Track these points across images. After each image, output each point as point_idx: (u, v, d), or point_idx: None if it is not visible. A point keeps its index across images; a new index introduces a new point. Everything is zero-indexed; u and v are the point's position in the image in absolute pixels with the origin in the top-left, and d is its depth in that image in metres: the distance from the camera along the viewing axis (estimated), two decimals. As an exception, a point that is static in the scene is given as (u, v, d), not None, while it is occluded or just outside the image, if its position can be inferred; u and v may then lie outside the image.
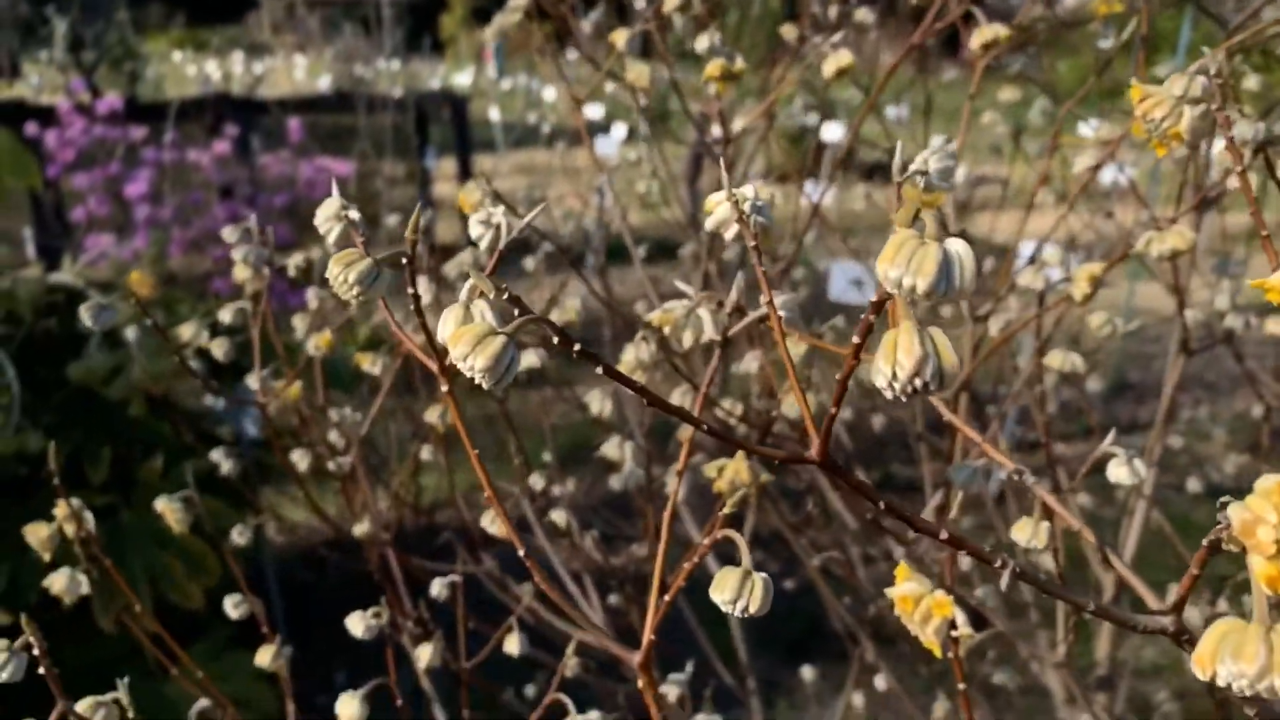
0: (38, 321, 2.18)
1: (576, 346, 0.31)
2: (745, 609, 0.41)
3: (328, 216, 0.40)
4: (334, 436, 1.13)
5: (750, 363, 0.77)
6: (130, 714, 0.58)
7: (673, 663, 1.13)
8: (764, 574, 0.42)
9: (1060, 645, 0.85)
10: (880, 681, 1.16)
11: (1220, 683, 0.24)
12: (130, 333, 1.47)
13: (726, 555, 1.64)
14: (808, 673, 1.57)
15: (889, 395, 0.25)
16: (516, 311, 0.32)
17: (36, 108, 3.76)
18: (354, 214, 0.40)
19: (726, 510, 0.62)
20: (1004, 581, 0.36)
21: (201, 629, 1.94)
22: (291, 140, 4.23)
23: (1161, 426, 1.13)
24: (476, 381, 0.30)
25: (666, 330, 0.44)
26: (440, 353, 0.42)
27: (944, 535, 0.36)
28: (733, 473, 0.63)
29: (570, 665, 1.12)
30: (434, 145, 5.51)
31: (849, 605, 1.20)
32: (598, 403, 0.91)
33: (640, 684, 0.51)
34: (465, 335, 0.31)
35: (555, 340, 0.31)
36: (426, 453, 1.22)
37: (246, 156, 4.16)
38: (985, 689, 1.59)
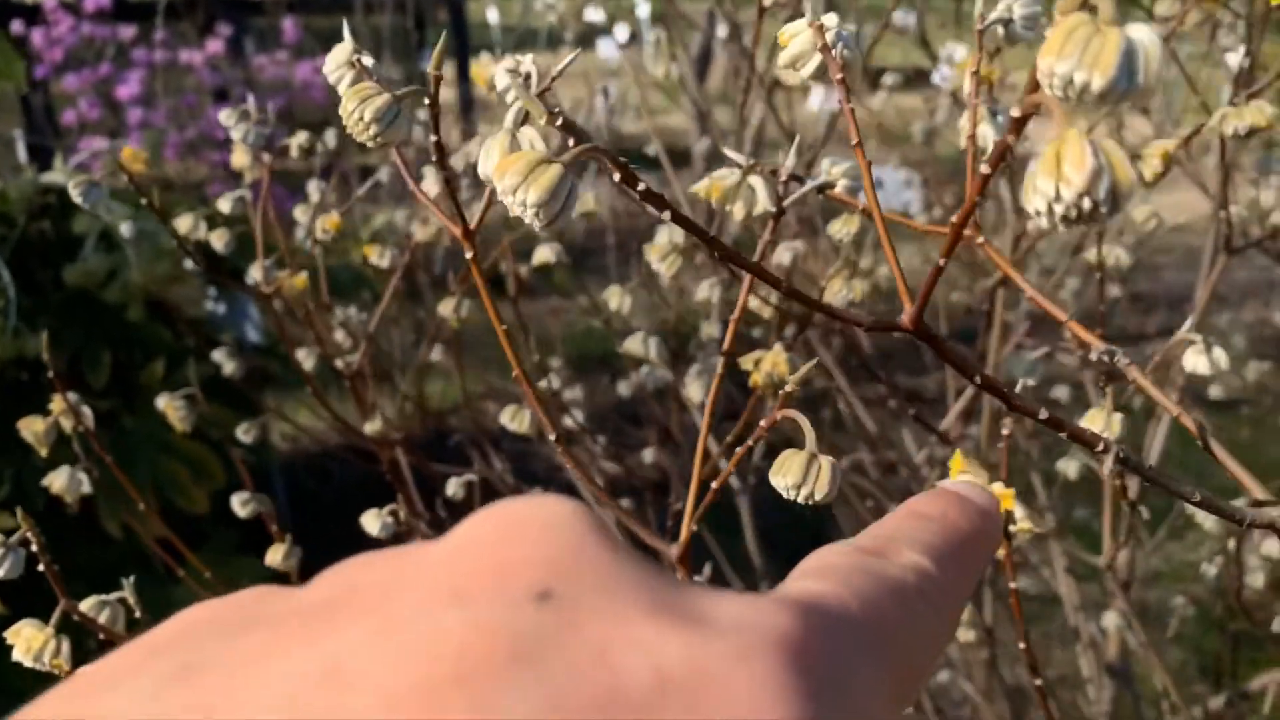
0: (31, 224, 2.13)
1: (641, 185, 0.27)
2: (810, 495, 0.37)
3: (338, 64, 0.36)
4: (340, 336, 1.09)
5: (783, 254, 0.73)
6: (137, 614, 0.55)
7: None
8: (830, 458, 0.38)
9: (1111, 549, 0.82)
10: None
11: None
12: (125, 230, 1.42)
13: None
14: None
15: (1047, 222, 0.21)
16: (571, 141, 0.27)
17: (21, 4, 3.63)
18: (368, 59, 0.35)
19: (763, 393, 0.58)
20: (1106, 466, 0.32)
21: (206, 535, 1.93)
22: (286, 41, 4.12)
23: (1198, 321, 1.09)
24: (527, 221, 0.26)
25: (715, 201, 0.40)
26: (464, 219, 0.38)
27: (1043, 415, 0.32)
28: (770, 365, 0.60)
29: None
30: (431, 47, 5.34)
31: (869, 510, 1.18)
32: (617, 299, 0.87)
33: (678, 578, 0.48)
34: (515, 164, 0.26)
35: (617, 176, 0.27)
36: (437, 353, 1.19)
37: (240, 58, 4.05)
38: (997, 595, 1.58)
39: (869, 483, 1.17)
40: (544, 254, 0.90)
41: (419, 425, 2.04)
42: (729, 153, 0.40)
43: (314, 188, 0.99)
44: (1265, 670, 1.17)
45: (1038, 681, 0.48)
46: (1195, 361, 0.49)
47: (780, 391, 0.63)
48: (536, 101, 0.28)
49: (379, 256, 0.89)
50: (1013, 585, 0.47)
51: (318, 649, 0.14)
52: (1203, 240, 1.53)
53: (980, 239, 0.40)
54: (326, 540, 1.13)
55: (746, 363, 0.61)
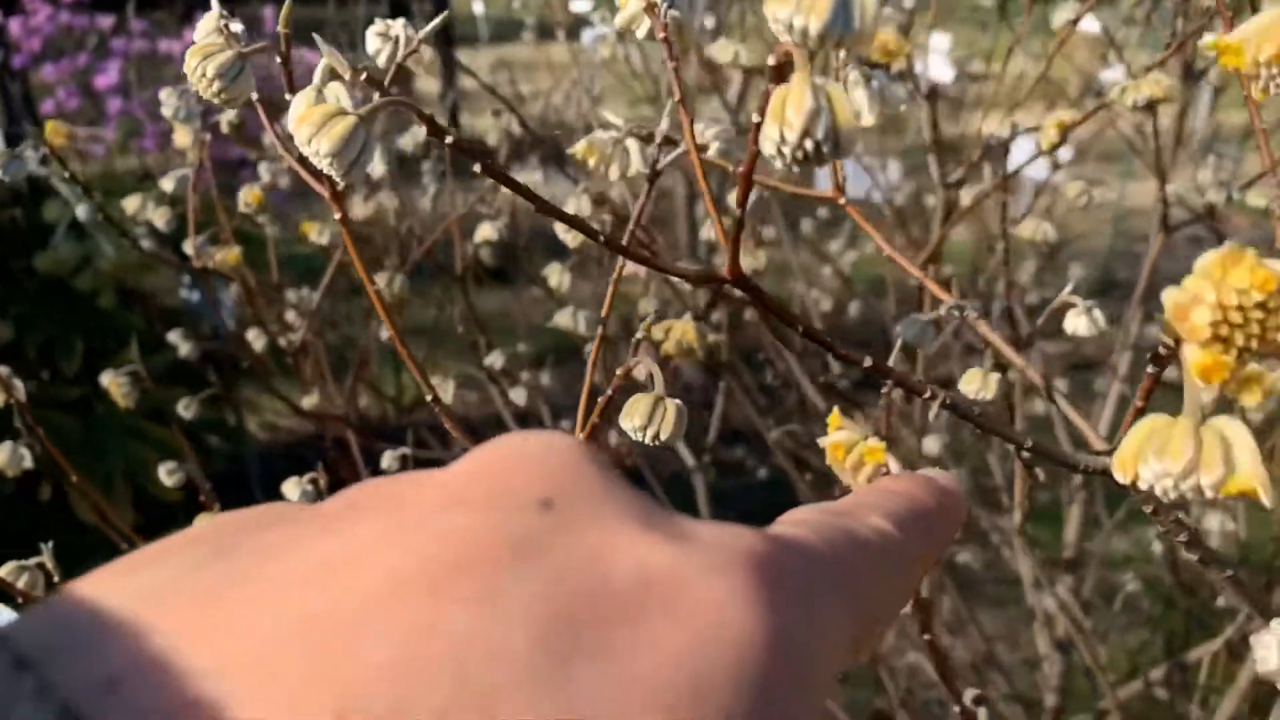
0: (2, 211, 2.13)
1: (450, 139, 0.28)
2: (656, 436, 0.39)
3: (207, 30, 0.37)
4: (292, 317, 1.10)
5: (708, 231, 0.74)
6: (56, 579, 0.56)
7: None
8: (678, 400, 0.39)
9: (1017, 511, 0.83)
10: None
11: (1143, 485, 0.22)
12: (82, 213, 1.43)
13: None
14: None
15: (780, 163, 0.22)
16: (377, 95, 0.28)
17: (-1, -6, 3.63)
18: (236, 25, 0.36)
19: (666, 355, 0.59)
20: (932, 413, 0.34)
21: (179, 520, 1.94)
22: (267, 30, 4.12)
23: (1137, 303, 1.11)
24: (326, 171, 0.27)
25: (592, 163, 0.41)
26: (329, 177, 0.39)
27: (868, 363, 0.33)
28: (680, 334, 0.61)
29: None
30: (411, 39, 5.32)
31: (808, 483, 1.19)
32: (556, 276, 0.88)
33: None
34: (312, 116, 0.27)
35: (425, 126, 0.28)
36: (384, 333, 1.19)
37: (221, 48, 4.04)
38: (957, 577, 1.60)
39: (813, 455, 1.19)
40: (485, 231, 0.91)
41: (393, 414, 2.05)
42: (607, 115, 0.41)
43: (265, 169, 1.00)
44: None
45: (926, 636, 0.49)
46: (1075, 323, 0.50)
47: (686, 355, 0.64)
48: (339, 57, 0.29)
49: (318, 234, 0.90)
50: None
51: (335, 540, 0.16)
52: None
53: (843, 200, 0.41)
54: None
55: (658, 331, 0.62)
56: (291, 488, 0.63)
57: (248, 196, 0.75)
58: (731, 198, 0.56)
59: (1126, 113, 0.64)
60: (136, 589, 0.16)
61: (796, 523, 0.20)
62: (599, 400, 0.43)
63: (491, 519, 0.16)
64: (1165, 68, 0.62)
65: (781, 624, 0.16)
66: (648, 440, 0.39)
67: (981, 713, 0.46)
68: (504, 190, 0.84)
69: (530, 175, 1.73)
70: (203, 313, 2.35)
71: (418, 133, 1.00)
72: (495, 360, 1.00)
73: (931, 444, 1.30)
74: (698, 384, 2.51)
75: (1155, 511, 0.37)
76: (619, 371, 0.40)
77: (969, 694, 0.46)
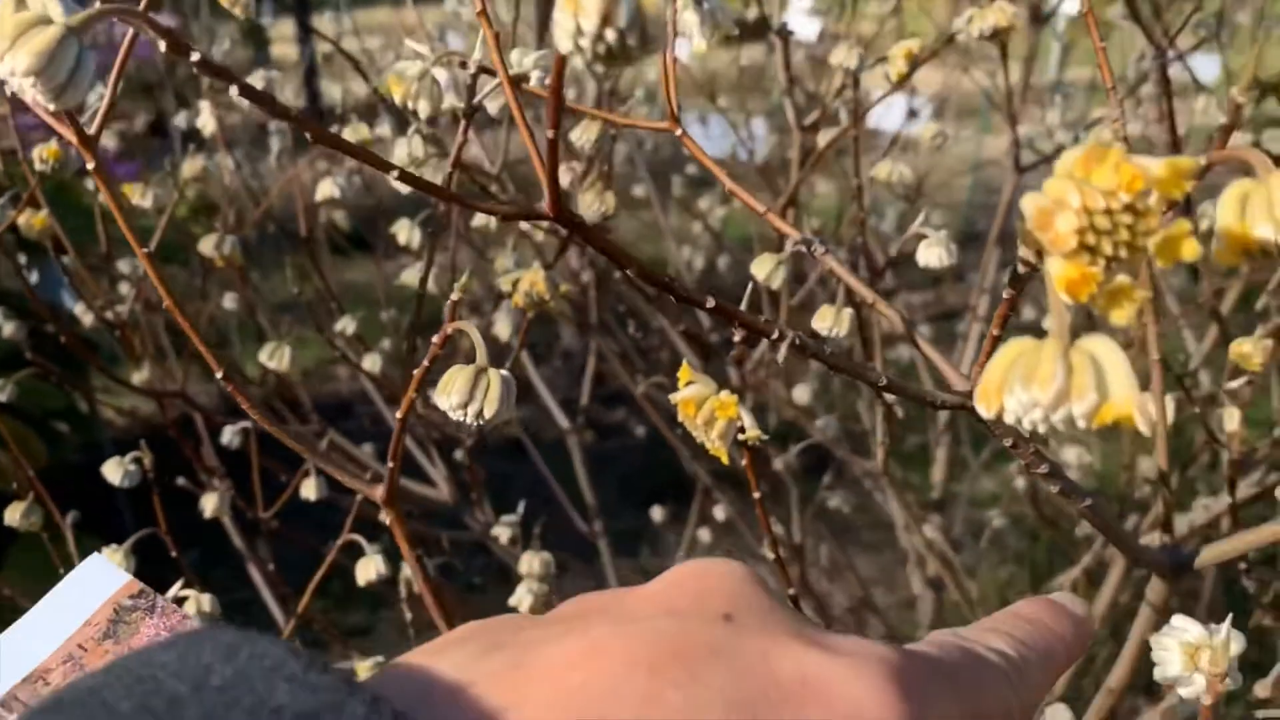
0: None
1: (234, 88, 0.23)
2: (479, 414, 0.35)
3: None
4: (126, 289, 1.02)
5: (563, 175, 0.70)
6: None
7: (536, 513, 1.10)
8: (505, 371, 0.35)
9: (879, 450, 0.83)
10: (719, 512, 1.15)
11: (1009, 418, 0.20)
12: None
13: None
14: (657, 513, 1.57)
15: (580, 60, 0.19)
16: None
17: None
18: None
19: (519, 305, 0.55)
20: (781, 353, 0.31)
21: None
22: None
23: (992, 244, 1.12)
24: (28, 96, 0.22)
25: (397, 98, 0.37)
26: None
27: (710, 304, 0.31)
28: (529, 284, 0.57)
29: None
30: (270, 2, 5.07)
31: (679, 436, 1.18)
32: (405, 233, 0.83)
33: (388, 519, 0.46)
34: (4, 28, 0.22)
35: (165, 43, 0.23)
36: (229, 301, 1.13)
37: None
38: (832, 524, 1.62)
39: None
40: (326, 189, 0.85)
41: (276, 391, 1.96)
42: (411, 44, 0.37)
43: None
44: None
45: (772, 555, 0.48)
46: (928, 255, 0.49)
47: (538, 307, 0.60)
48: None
49: (140, 196, 0.83)
50: (756, 495, 0.47)
51: (581, 637, 0.22)
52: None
53: (679, 130, 0.38)
54: (170, 511, 1.08)
55: (506, 283, 0.59)
56: (112, 469, 0.58)
57: (44, 153, 0.68)
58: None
59: (977, 57, 0.63)
60: (447, 669, 0.21)
61: (928, 641, 0.26)
62: (416, 373, 0.39)
63: (691, 625, 0.22)
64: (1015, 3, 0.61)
65: (905, 713, 0.21)
66: (469, 419, 0.35)
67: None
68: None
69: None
70: (43, 293, 2.19)
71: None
72: (346, 326, 0.94)
73: (801, 393, 1.30)
74: (578, 349, 2.47)
75: (1014, 445, 0.36)
76: (435, 340, 0.37)
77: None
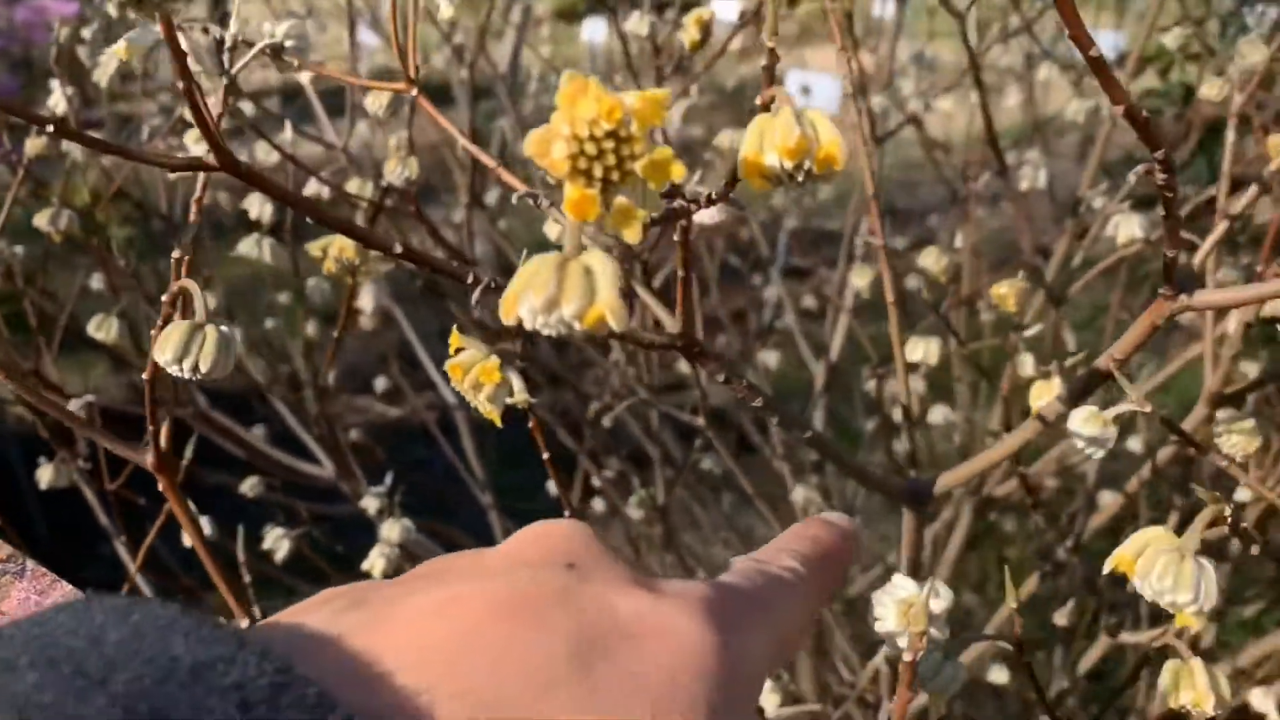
0: None
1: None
2: (195, 368, 0.37)
3: None
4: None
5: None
6: None
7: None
8: (225, 328, 0.37)
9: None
10: (596, 482, 1.18)
11: (528, 324, 0.22)
12: None
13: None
14: (552, 487, 1.58)
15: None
16: None
17: None
18: None
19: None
20: (474, 297, 0.34)
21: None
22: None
23: (851, 214, 1.16)
24: None
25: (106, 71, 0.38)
26: None
27: (397, 249, 0.33)
28: (338, 250, 0.59)
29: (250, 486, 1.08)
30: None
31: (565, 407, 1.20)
32: (256, 208, 0.84)
33: (160, 486, 0.48)
34: None
35: None
36: (97, 281, 1.13)
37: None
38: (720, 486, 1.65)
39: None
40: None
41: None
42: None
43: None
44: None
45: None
46: (704, 218, 0.52)
47: (354, 276, 0.62)
48: None
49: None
50: (545, 456, 0.50)
51: (440, 590, 0.24)
52: (960, 156, 1.62)
53: (414, 91, 0.40)
54: (82, 504, 1.08)
55: (315, 249, 0.60)
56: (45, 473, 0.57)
57: None
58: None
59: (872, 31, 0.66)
60: (316, 624, 0.23)
61: (733, 571, 0.30)
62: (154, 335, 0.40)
63: (541, 574, 0.25)
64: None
65: (723, 642, 0.25)
66: (186, 374, 0.37)
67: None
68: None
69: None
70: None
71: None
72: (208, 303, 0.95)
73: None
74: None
75: (728, 380, 0.39)
76: (164, 299, 0.38)
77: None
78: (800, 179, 0.24)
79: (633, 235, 0.22)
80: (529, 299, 0.22)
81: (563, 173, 0.21)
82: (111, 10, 0.21)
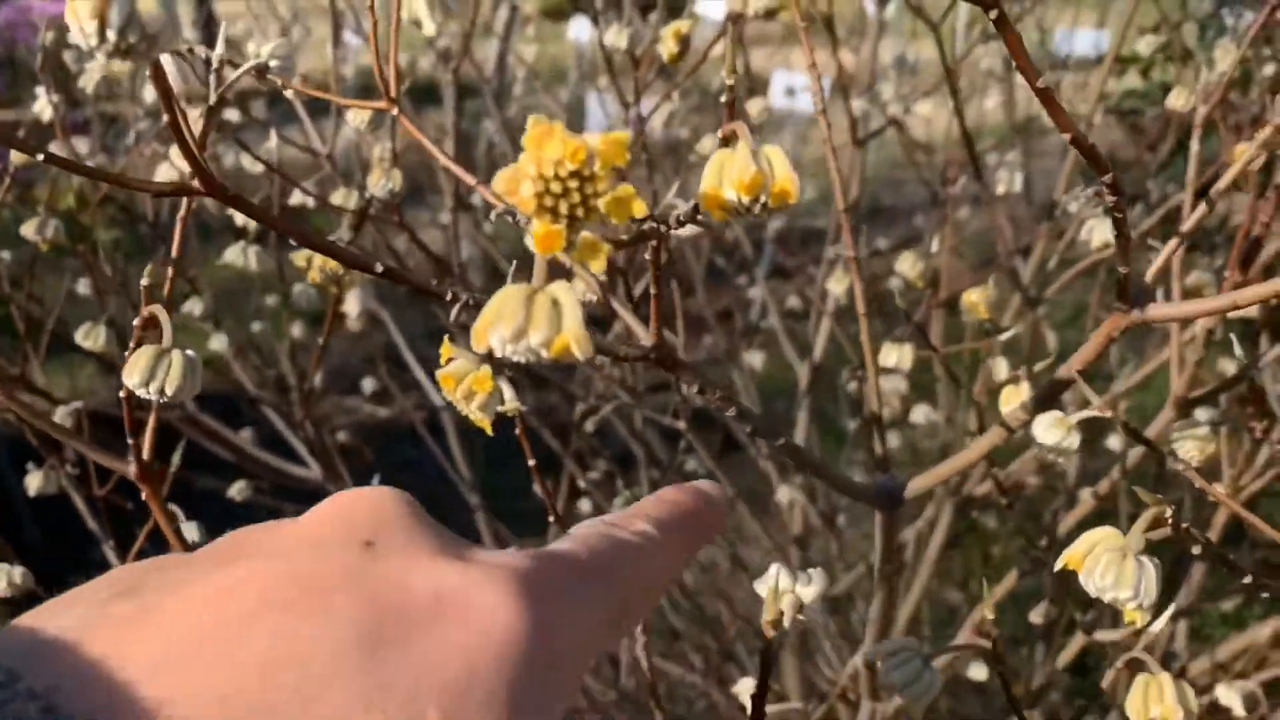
0: None
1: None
2: (161, 391, 0.38)
3: None
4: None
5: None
6: None
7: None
8: (189, 352, 0.38)
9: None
10: (582, 483, 1.19)
11: (498, 352, 0.23)
12: None
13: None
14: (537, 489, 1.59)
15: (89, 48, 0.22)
16: None
17: None
18: None
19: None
20: (453, 315, 0.35)
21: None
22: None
23: (835, 212, 1.17)
24: None
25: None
26: None
27: (379, 269, 0.34)
28: (323, 261, 0.60)
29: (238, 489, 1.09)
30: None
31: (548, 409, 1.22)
32: (241, 215, 0.85)
33: (144, 495, 0.49)
34: None
35: None
36: (83, 286, 1.14)
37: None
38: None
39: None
40: (164, 172, 0.87)
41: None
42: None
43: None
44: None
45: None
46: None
47: (336, 284, 0.63)
48: None
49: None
50: (532, 463, 0.51)
51: (221, 575, 0.22)
52: (941, 157, 1.63)
53: (395, 110, 0.41)
54: (71, 507, 1.08)
55: (300, 259, 0.62)
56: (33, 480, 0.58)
57: None
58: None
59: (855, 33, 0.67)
60: (66, 622, 0.21)
61: (571, 536, 0.28)
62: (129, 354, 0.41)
63: (330, 554, 0.23)
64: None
65: (537, 619, 0.23)
66: (153, 396, 0.38)
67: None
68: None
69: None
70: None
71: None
72: (194, 308, 0.96)
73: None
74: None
75: (702, 391, 0.40)
76: (135, 323, 0.39)
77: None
78: (756, 212, 0.26)
79: (598, 267, 0.23)
80: (499, 329, 0.23)
81: (530, 210, 0.23)
82: (100, 59, 0.22)
